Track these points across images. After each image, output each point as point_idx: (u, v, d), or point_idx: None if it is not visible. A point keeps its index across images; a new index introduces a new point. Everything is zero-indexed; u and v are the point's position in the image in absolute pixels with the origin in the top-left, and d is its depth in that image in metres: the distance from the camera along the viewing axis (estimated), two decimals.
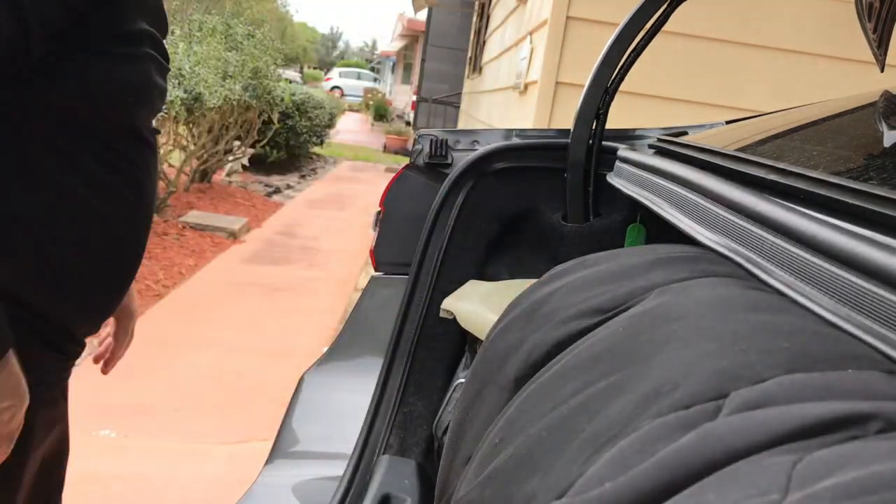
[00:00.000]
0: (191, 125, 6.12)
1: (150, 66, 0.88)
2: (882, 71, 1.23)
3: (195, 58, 5.73)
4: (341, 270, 4.81)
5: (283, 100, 7.96)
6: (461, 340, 1.30)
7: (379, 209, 1.40)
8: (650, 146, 1.18)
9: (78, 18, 0.79)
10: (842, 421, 0.34)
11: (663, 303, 0.54)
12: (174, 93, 4.87)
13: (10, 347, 0.76)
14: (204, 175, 7.09)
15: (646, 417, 0.41)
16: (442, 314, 1.18)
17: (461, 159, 1.30)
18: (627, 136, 1.32)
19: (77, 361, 0.95)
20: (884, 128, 0.87)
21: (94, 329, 0.96)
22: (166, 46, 0.94)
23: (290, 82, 9.61)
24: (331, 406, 1.38)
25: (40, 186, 0.82)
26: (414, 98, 13.40)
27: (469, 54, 8.87)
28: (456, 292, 1.21)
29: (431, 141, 1.33)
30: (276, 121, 7.86)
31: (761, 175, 0.69)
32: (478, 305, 1.11)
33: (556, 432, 0.47)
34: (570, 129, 1.25)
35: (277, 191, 7.78)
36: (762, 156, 0.75)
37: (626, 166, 1.07)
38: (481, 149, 1.30)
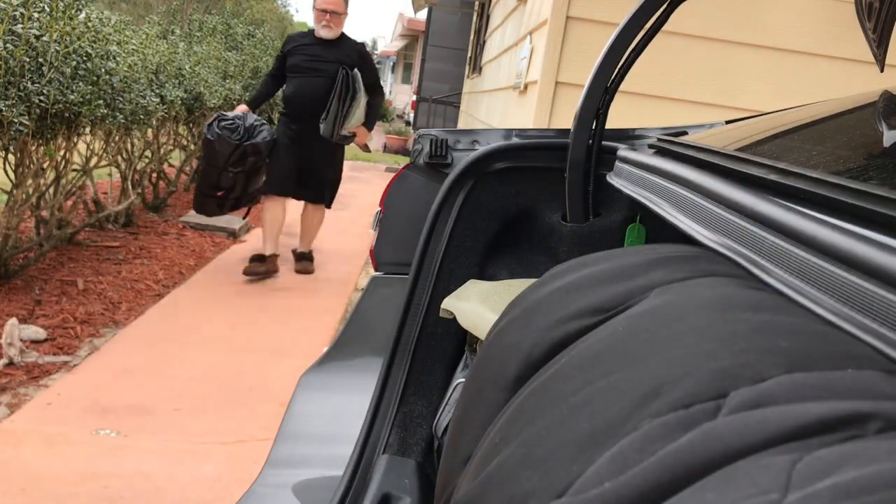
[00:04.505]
0: (191, 125, 6.12)
1: None
2: (882, 71, 1.23)
3: (195, 58, 5.73)
4: (341, 270, 4.80)
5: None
6: (461, 340, 1.30)
7: (379, 209, 1.40)
8: (650, 146, 1.18)
9: None
10: (841, 420, 0.34)
11: (663, 302, 0.54)
12: (174, 93, 4.87)
13: None
14: None
15: (645, 417, 0.41)
16: (442, 314, 1.18)
17: (461, 159, 1.30)
18: (627, 136, 1.32)
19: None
20: (884, 128, 0.87)
21: None
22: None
23: None
24: (331, 406, 1.38)
25: None
26: (414, 98, 13.41)
27: (469, 54, 8.87)
28: (456, 292, 1.21)
29: (431, 141, 1.33)
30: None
31: (761, 175, 0.69)
32: (478, 305, 1.11)
33: (555, 432, 0.47)
34: (570, 129, 1.25)
35: None
36: (762, 156, 0.75)
37: (625, 166, 1.07)
38: (481, 149, 1.30)
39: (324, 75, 4.14)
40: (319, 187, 4.46)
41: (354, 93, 4.07)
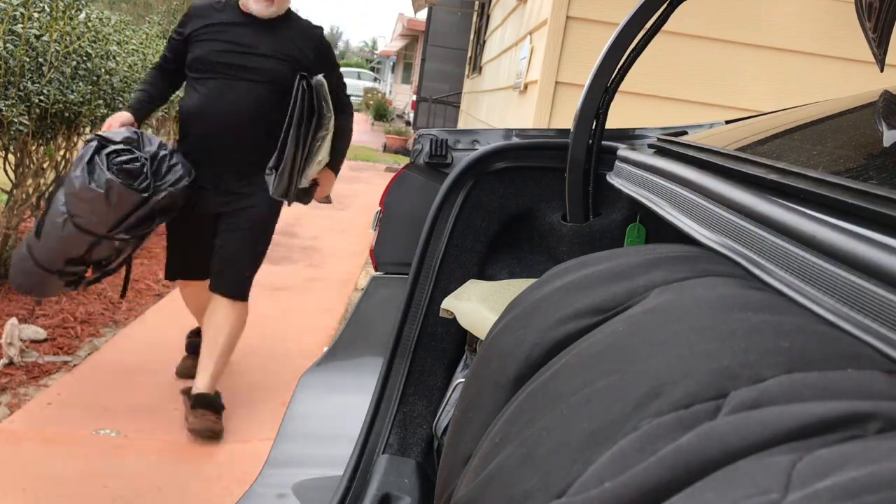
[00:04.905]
0: None
1: None
2: (882, 71, 1.23)
3: None
4: (341, 270, 4.80)
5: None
6: (461, 340, 1.30)
7: (379, 209, 1.40)
8: (650, 146, 1.18)
9: None
10: (841, 420, 0.34)
11: (663, 302, 0.54)
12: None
13: None
14: None
15: (645, 417, 0.41)
16: (442, 314, 1.18)
17: (461, 159, 1.30)
18: (627, 136, 1.32)
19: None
20: (884, 128, 0.87)
21: None
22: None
23: None
24: (331, 406, 1.38)
25: None
26: (414, 98, 13.41)
27: (469, 54, 8.87)
28: (456, 292, 1.22)
29: (431, 141, 1.33)
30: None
31: (761, 175, 0.69)
32: (478, 305, 1.11)
33: (555, 431, 0.47)
34: (570, 129, 1.25)
35: None
36: (762, 156, 0.75)
37: (625, 166, 1.07)
38: (481, 148, 1.30)
39: (255, 79, 2.38)
40: (236, 269, 2.53)
41: (321, 118, 2.32)
